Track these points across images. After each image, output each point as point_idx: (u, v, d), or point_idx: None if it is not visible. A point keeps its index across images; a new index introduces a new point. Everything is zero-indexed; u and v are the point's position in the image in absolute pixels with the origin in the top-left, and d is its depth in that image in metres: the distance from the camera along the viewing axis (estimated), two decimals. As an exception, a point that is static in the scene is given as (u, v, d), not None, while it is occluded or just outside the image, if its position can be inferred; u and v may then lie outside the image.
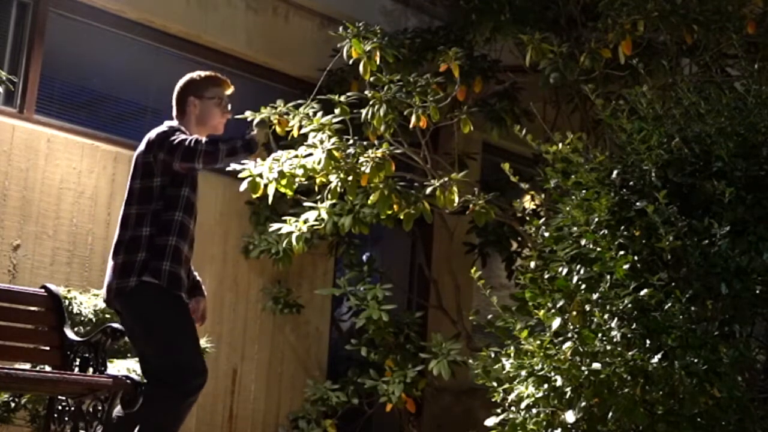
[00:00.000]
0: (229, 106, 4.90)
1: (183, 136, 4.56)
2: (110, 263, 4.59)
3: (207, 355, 6.25)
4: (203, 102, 4.81)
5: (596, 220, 4.33)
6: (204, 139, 4.57)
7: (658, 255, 4.19)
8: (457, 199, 6.41)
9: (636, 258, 4.18)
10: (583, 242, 4.30)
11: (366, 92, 6.48)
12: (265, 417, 7.53)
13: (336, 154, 6.33)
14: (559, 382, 4.13)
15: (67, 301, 5.59)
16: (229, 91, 4.90)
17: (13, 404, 5.41)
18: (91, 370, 4.62)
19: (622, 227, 4.29)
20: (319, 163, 6.33)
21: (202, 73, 4.92)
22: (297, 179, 6.45)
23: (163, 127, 4.69)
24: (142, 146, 4.68)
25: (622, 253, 4.13)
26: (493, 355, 4.53)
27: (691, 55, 6.93)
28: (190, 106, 4.80)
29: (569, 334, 4.19)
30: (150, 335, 4.48)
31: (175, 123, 4.76)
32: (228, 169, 6.72)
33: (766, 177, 4.26)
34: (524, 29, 6.77)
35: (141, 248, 4.51)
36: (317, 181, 6.52)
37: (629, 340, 4.06)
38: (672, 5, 6.49)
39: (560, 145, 4.70)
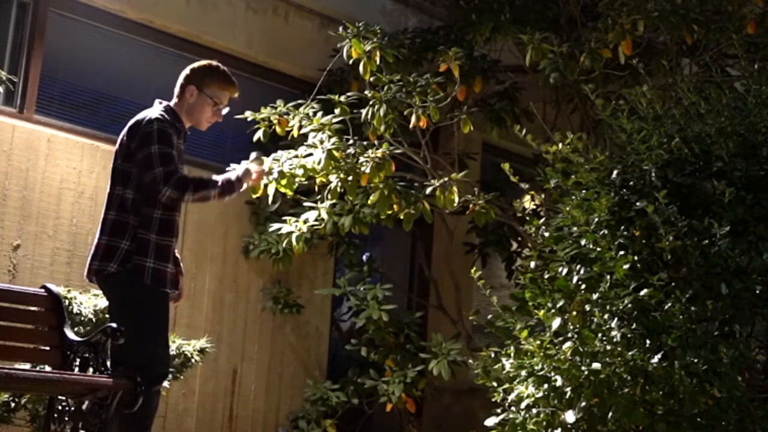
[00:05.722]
0: (224, 111, 4.92)
1: (166, 167, 4.57)
2: (95, 241, 4.70)
3: (207, 355, 6.27)
4: (200, 96, 4.84)
5: (596, 220, 4.33)
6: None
7: (658, 255, 4.19)
8: (457, 199, 6.40)
9: (636, 258, 4.18)
10: (583, 242, 4.30)
11: (366, 92, 6.48)
12: (265, 417, 7.53)
13: (336, 154, 6.32)
14: (559, 382, 4.13)
15: (67, 301, 5.58)
16: (234, 95, 4.93)
17: (13, 404, 5.40)
18: (91, 370, 4.61)
19: (622, 227, 4.28)
20: (319, 163, 6.33)
21: (214, 67, 4.93)
22: (297, 179, 6.45)
23: (148, 117, 4.69)
24: (126, 131, 4.73)
25: (622, 253, 4.13)
26: (493, 355, 4.53)
27: (691, 55, 6.93)
28: (187, 93, 4.85)
29: (569, 334, 4.19)
30: (122, 319, 4.56)
31: (158, 109, 4.76)
32: (228, 169, 6.72)
33: (766, 177, 4.26)
34: (524, 29, 6.77)
35: (125, 236, 4.60)
36: (317, 181, 6.51)
37: (629, 340, 4.06)
38: (672, 5, 6.49)
39: (560, 145, 4.70)
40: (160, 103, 4.84)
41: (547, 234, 4.54)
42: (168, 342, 4.76)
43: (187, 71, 4.90)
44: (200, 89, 4.83)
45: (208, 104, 4.85)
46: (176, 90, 4.88)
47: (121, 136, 4.75)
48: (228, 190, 4.79)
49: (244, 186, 4.92)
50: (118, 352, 4.53)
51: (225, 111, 4.95)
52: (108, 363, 4.56)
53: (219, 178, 4.78)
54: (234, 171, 4.90)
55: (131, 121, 4.75)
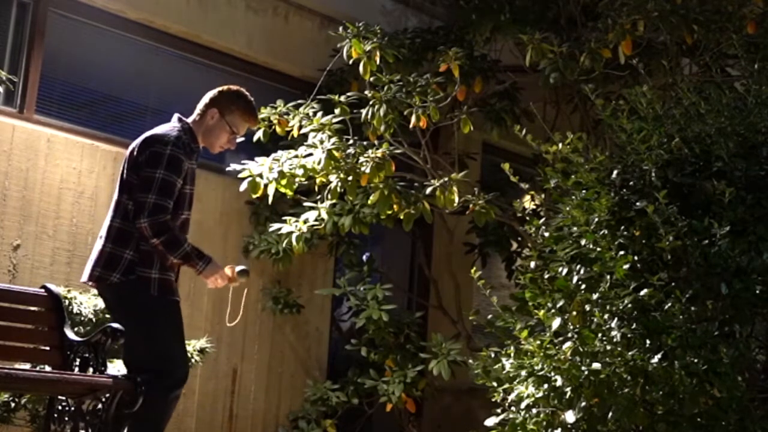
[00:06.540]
0: (238, 140, 4.89)
1: (159, 201, 4.49)
2: (98, 246, 4.63)
3: (207, 355, 6.26)
4: (221, 121, 4.78)
5: (596, 220, 4.33)
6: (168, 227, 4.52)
7: (658, 255, 4.19)
8: (457, 199, 6.41)
9: (636, 258, 4.18)
10: (583, 242, 4.29)
11: (366, 92, 6.49)
12: (265, 417, 7.53)
13: (336, 154, 6.33)
14: (559, 382, 4.13)
15: (67, 301, 5.59)
16: (254, 127, 4.95)
17: (13, 404, 5.40)
18: (91, 370, 4.61)
19: (622, 227, 4.28)
20: (319, 163, 6.34)
21: (242, 95, 4.84)
22: (297, 179, 6.45)
23: (165, 137, 4.63)
24: (139, 143, 4.67)
25: (622, 253, 4.13)
26: (493, 355, 4.53)
27: (691, 55, 6.93)
28: (208, 115, 4.79)
29: (569, 334, 4.19)
30: (133, 327, 4.52)
31: (176, 127, 4.72)
32: (228, 169, 6.74)
33: (766, 177, 4.26)
34: (524, 29, 6.77)
35: (129, 245, 4.56)
36: (317, 181, 6.52)
37: (629, 340, 4.06)
38: (672, 5, 6.50)
39: (560, 145, 4.70)
40: (180, 120, 4.78)
41: (547, 234, 4.53)
42: (185, 346, 4.70)
43: (214, 93, 4.82)
44: (222, 115, 4.77)
45: (225, 131, 4.79)
46: (198, 108, 4.81)
47: (132, 147, 4.69)
48: (189, 264, 4.64)
49: (205, 276, 4.70)
50: (136, 361, 4.50)
51: (239, 140, 4.93)
52: (107, 363, 4.57)
53: (190, 251, 4.58)
54: (211, 258, 4.71)
55: (146, 135, 4.68)
